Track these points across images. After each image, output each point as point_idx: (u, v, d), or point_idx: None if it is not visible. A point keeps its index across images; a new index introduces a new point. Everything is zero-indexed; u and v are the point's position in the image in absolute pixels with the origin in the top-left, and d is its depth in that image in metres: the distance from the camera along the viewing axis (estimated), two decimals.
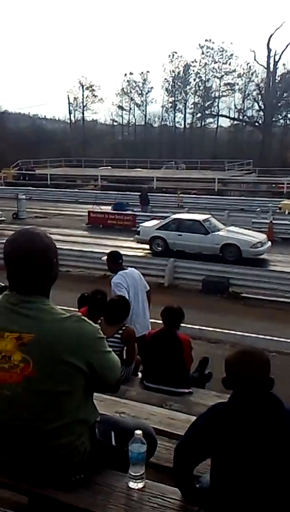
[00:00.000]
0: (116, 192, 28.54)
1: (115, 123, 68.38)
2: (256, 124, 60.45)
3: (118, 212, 21.98)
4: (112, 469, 2.30)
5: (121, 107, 67.05)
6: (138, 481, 2.17)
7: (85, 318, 2.14)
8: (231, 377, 2.11)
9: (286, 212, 21.04)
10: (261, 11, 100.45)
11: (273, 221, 18.33)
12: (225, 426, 2.01)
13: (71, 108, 65.53)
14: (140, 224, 17.01)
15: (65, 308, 2.32)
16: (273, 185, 32.49)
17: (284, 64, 58.85)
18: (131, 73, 65.14)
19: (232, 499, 2.00)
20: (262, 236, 15.27)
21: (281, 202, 23.80)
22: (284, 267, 13.42)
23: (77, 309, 5.98)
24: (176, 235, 15.20)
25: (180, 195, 26.65)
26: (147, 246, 15.73)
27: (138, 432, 2.16)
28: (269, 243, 15.13)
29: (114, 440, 2.30)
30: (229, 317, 10.13)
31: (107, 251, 6.71)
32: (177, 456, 2.21)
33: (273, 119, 59.06)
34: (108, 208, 23.24)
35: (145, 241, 15.81)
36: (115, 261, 6.08)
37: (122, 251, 15.26)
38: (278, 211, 22.52)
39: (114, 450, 2.28)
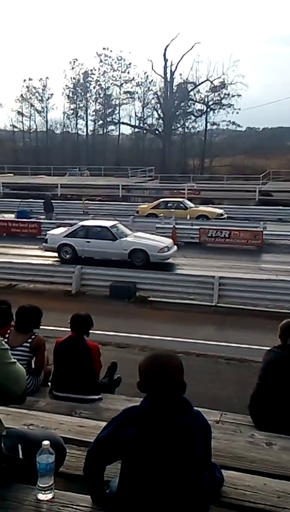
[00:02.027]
0: (19, 200, 27.79)
1: (15, 129, 66.64)
2: (156, 132, 62.07)
3: (22, 220, 21.45)
4: (21, 483, 2.25)
5: (21, 113, 65.55)
6: (47, 492, 2.15)
7: None
8: (144, 381, 2.14)
9: (188, 217, 21.82)
10: (157, 22, 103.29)
11: (176, 226, 18.93)
12: (136, 429, 2.04)
13: None
14: (48, 232, 16.69)
15: None
16: (175, 191, 33.47)
17: (180, 74, 61.18)
18: (30, 79, 64.00)
19: (140, 501, 2.03)
20: (168, 241, 15.68)
21: (139, 206, 24.74)
22: (187, 270, 13.88)
23: None
24: (84, 242, 15.12)
25: (85, 201, 26.57)
26: (55, 254, 15.50)
27: (46, 442, 2.14)
28: (175, 247, 15.59)
29: (21, 453, 2.26)
30: (137, 321, 10.28)
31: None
32: (88, 459, 2.21)
33: (172, 127, 61.02)
34: (11, 216, 22.57)
35: (53, 249, 15.54)
36: None
37: (29, 260, 14.87)
38: (136, 214, 23.36)
39: (22, 464, 2.24)
